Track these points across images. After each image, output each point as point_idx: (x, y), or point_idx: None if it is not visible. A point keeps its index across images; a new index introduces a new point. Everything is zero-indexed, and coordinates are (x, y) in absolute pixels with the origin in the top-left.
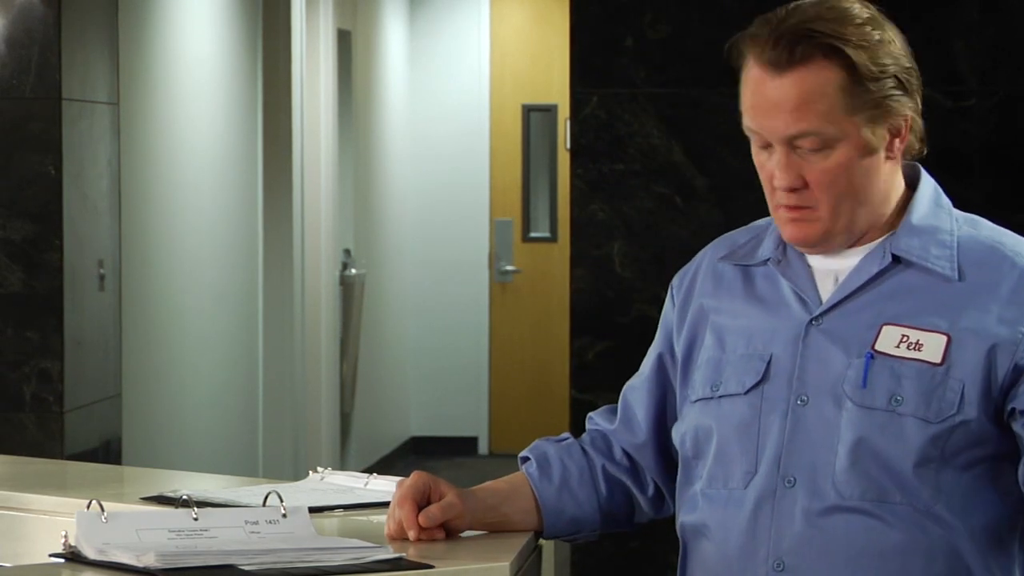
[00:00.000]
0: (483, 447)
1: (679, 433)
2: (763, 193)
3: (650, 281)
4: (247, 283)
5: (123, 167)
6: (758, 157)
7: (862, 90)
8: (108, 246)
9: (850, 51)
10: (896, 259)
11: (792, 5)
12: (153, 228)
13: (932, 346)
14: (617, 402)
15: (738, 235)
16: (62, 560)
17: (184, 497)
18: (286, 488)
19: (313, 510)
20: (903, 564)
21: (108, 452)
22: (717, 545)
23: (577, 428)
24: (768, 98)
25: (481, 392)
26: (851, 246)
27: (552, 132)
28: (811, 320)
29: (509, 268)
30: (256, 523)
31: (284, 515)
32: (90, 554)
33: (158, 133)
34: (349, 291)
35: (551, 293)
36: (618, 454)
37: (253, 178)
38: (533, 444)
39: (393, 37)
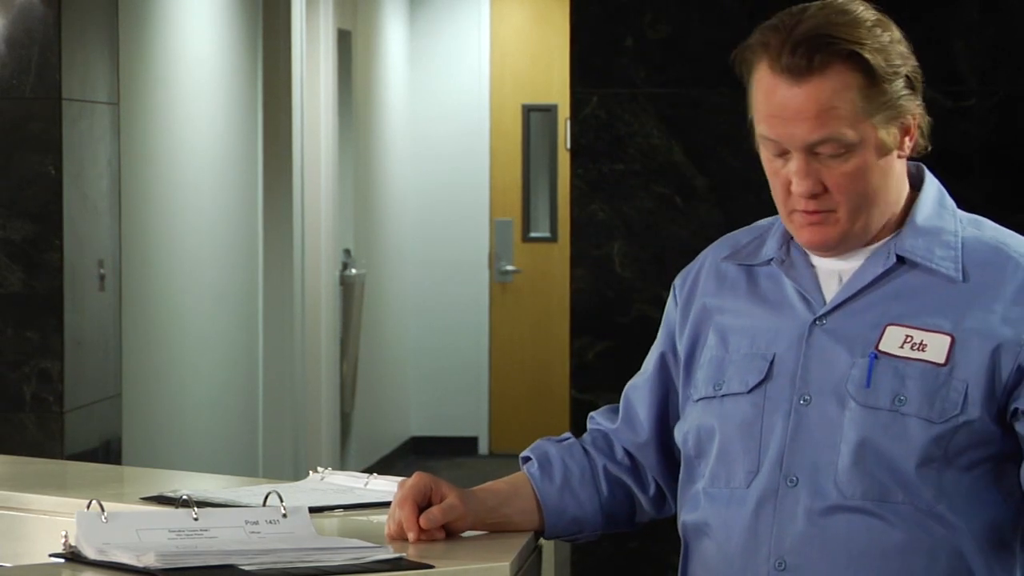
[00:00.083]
0: (483, 447)
1: (681, 432)
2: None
3: (650, 281)
4: (247, 283)
5: (123, 167)
6: (772, 164)
7: (878, 92)
8: (108, 246)
9: (867, 55)
10: (900, 260)
11: (795, 10)
12: (153, 228)
13: (936, 346)
14: (617, 402)
15: (740, 235)
16: (62, 560)
17: (184, 497)
18: (286, 488)
19: (313, 510)
20: (905, 564)
21: (108, 452)
22: (719, 544)
23: (577, 428)
24: (788, 107)
25: (481, 392)
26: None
27: (552, 132)
28: (815, 320)
29: (509, 268)
30: (256, 523)
31: (284, 515)
32: (90, 554)
33: (158, 133)
34: (349, 291)
35: (551, 293)
36: (619, 454)
37: (253, 178)
38: (534, 444)
39: (393, 37)
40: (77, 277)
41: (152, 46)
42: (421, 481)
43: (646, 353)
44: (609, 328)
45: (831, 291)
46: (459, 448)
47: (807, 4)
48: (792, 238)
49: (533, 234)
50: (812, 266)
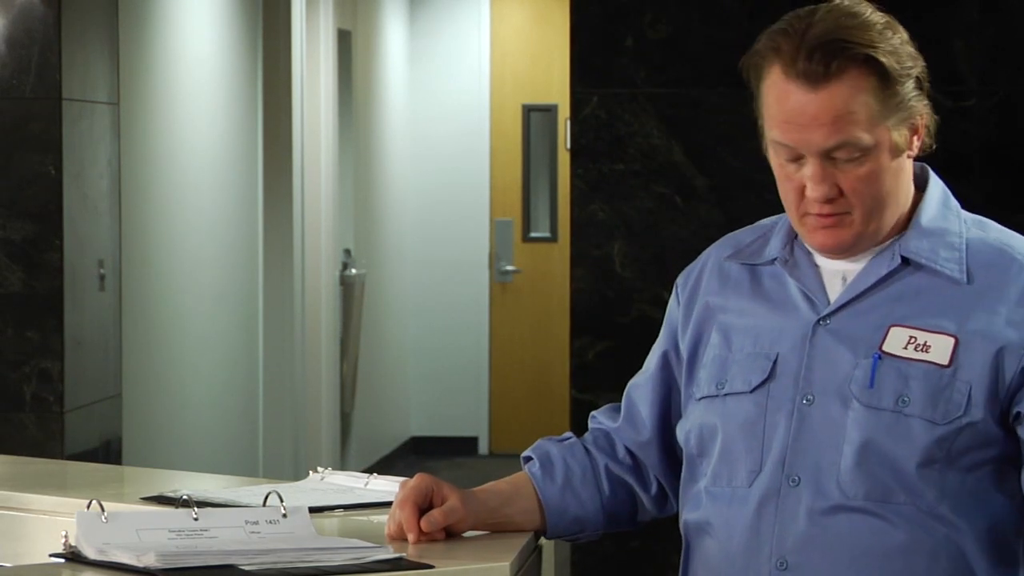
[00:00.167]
0: (483, 447)
1: (683, 431)
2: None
3: (650, 281)
4: (247, 283)
5: (123, 167)
6: (784, 169)
7: (891, 94)
8: (108, 246)
9: (882, 58)
10: (905, 261)
11: (802, 13)
12: (153, 228)
13: (940, 348)
14: (617, 401)
15: (743, 234)
16: (62, 560)
17: (184, 497)
18: (286, 488)
19: (313, 510)
20: (907, 564)
21: (108, 452)
22: (720, 543)
23: (578, 428)
24: (804, 112)
25: (481, 392)
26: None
27: (552, 132)
28: (819, 320)
29: (509, 268)
30: (256, 523)
31: (284, 515)
32: (90, 554)
33: (158, 133)
34: (349, 291)
35: (551, 293)
36: (621, 453)
37: (253, 178)
38: (536, 444)
39: (393, 37)
40: (77, 277)
41: (152, 46)
42: (422, 482)
43: (646, 353)
44: (609, 328)
45: (835, 291)
46: (459, 448)
47: (813, 7)
48: (795, 237)
49: (533, 234)
50: (816, 266)
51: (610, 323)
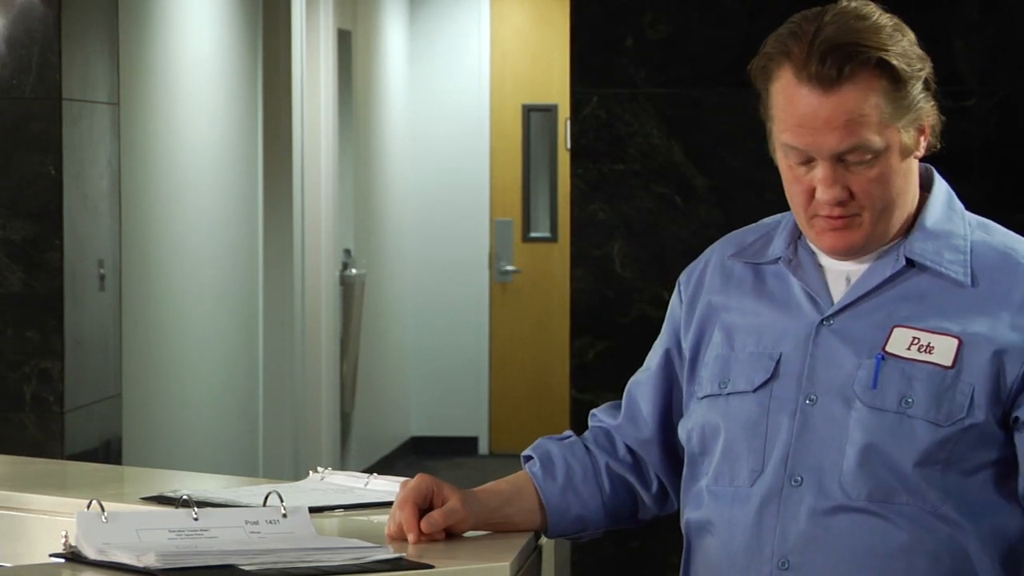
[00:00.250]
0: (483, 447)
1: (685, 429)
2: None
3: (650, 281)
4: (247, 283)
5: (123, 167)
6: (793, 171)
7: (902, 96)
8: (108, 246)
9: (894, 61)
10: (909, 262)
11: (809, 16)
12: (153, 228)
13: (943, 349)
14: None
15: (746, 233)
16: (62, 560)
17: (184, 497)
18: (286, 488)
19: (313, 510)
20: (909, 564)
21: (108, 452)
22: (722, 542)
23: (578, 428)
24: (817, 116)
25: (481, 392)
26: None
27: (552, 132)
28: (822, 320)
29: (509, 268)
30: (256, 523)
31: (284, 515)
32: (90, 554)
33: (158, 133)
34: (349, 291)
35: (551, 293)
36: (621, 451)
37: (253, 178)
38: (536, 443)
39: (393, 37)
40: (77, 277)
41: (152, 46)
42: (423, 483)
43: (646, 353)
44: (609, 328)
45: (839, 292)
46: (459, 448)
47: (820, 9)
48: (799, 237)
49: (533, 234)
50: (820, 266)
51: (610, 323)
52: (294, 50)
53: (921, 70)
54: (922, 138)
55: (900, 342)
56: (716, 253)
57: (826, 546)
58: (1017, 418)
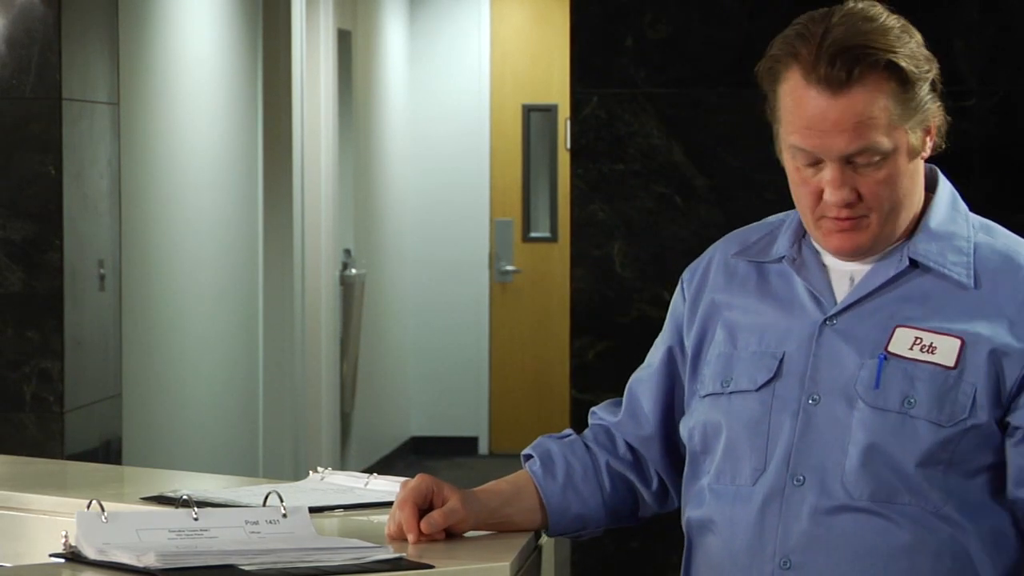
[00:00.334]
0: (483, 447)
1: (687, 427)
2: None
3: (650, 281)
4: (247, 283)
5: (123, 167)
6: (801, 173)
7: (910, 98)
8: (108, 246)
9: (902, 63)
10: (913, 263)
11: (816, 17)
12: (153, 228)
13: (946, 349)
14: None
15: (749, 232)
16: (62, 560)
17: (184, 497)
18: (286, 488)
19: (313, 510)
20: (911, 564)
21: (108, 452)
22: (724, 541)
23: (578, 428)
24: (826, 118)
25: (481, 392)
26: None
27: (552, 132)
28: (825, 320)
29: (509, 268)
30: (256, 523)
31: (284, 515)
32: (90, 554)
33: (158, 133)
34: (349, 291)
35: (551, 293)
36: (622, 448)
37: (253, 178)
38: (536, 441)
39: (393, 37)
40: (77, 277)
41: (152, 46)
42: (423, 483)
43: (646, 353)
44: (609, 328)
45: (842, 292)
46: (459, 448)
47: (826, 10)
48: (804, 236)
49: (533, 234)
50: (824, 266)
51: (610, 323)
52: (294, 50)
53: (928, 71)
54: (928, 139)
55: (902, 342)
56: (719, 251)
57: (828, 546)
58: (1009, 423)
